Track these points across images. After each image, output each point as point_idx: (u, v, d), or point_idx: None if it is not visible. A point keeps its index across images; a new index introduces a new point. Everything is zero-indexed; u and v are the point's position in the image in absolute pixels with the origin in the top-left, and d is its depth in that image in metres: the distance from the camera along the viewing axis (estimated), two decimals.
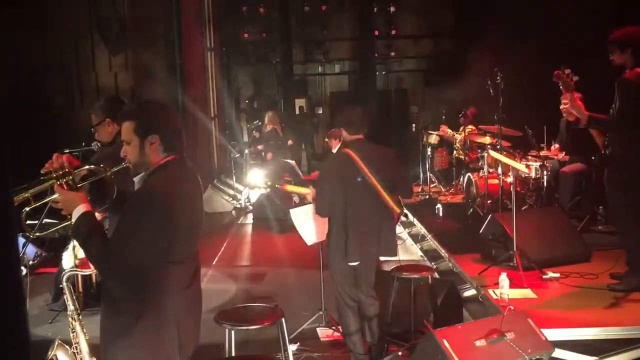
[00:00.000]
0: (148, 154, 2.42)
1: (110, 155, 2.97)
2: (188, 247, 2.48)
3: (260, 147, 10.55)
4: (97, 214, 3.53)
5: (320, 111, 15.16)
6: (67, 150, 3.20)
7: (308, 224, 4.53)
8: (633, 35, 4.17)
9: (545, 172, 6.58)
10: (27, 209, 2.37)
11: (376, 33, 13.93)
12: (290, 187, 4.46)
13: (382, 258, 4.42)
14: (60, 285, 4.15)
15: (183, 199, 2.41)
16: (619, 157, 4.22)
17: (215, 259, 7.31)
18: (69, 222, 2.38)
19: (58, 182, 2.38)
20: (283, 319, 3.32)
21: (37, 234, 2.66)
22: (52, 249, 6.37)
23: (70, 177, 2.40)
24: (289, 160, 9.68)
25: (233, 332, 3.24)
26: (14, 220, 1.13)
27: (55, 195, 2.38)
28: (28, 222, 3.38)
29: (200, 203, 2.57)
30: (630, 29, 4.22)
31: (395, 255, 4.20)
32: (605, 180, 4.47)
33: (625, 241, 4.46)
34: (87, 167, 2.47)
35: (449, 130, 9.05)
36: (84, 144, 3.54)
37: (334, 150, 4.40)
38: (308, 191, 4.27)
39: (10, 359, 1.00)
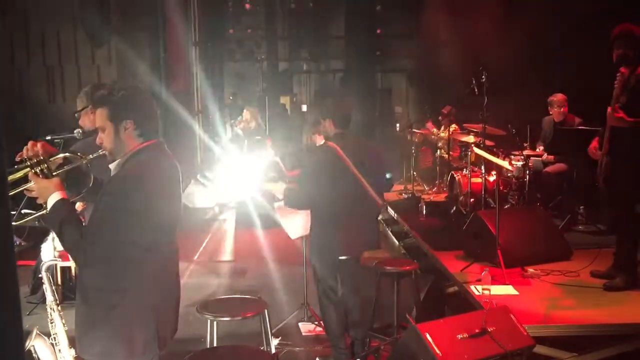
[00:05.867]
0: (123, 140, 2.38)
1: (91, 145, 2.93)
2: (165, 234, 2.45)
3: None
4: (78, 204, 3.48)
5: (305, 109, 15.14)
6: (49, 137, 3.15)
7: (292, 218, 4.51)
8: (636, 33, 4.18)
9: (527, 172, 6.64)
10: None
11: (362, 32, 13.91)
12: (267, 185, 4.40)
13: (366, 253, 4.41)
14: (40, 275, 4.10)
15: (159, 185, 2.37)
16: (627, 157, 4.25)
17: (197, 254, 7.26)
18: (45, 210, 2.33)
19: (32, 170, 2.33)
20: (266, 311, 3.29)
21: (13, 223, 2.60)
22: (32, 238, 6.29)
23: (45, 165, 2.35)
24: (272, 156, 9.63)
25: (215, 323, 3.21)
26: (8, 213, 1.10)
27: (30, 184, 2.34)
28: None
29: (177, 189, 2.52)
30: (634, 26, 4.23)
31: (378, 247, 4.19)
32: (607, 181, 4.47)
33: (619, 241, 4.50)
34: (62, 154, 2.43)
35: (434, 130, 9.11)
36: (66, 131, 3.49)
37: (318, 145, 4.37)
38: (279, 189, 4.20)
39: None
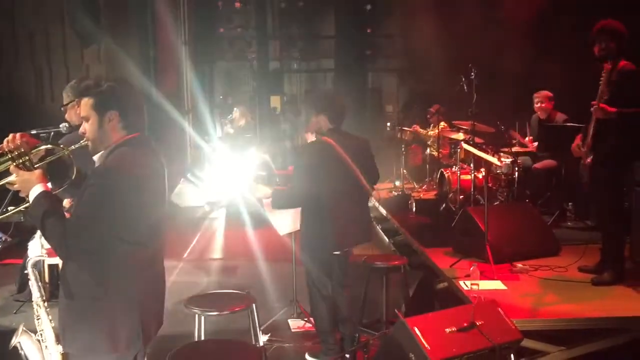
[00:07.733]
0: (107, 131, 2.36)
1: (77, 138, 2.91)
2: (149, 227, 2.41)
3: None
4: (66, 200, 3.47)
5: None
6: (34, 131, 3.13)
7: (281, 214, 4.49)
8: (618, 28, 4.24)
9: (516, 168, 6.66)
10: None
11: (352, 31, 13.93)
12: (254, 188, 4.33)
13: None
14: (26, 271, 4.06)
15: (143, 178, 2.34)
16: (613, 153, 4.27)
17: (187, 252, 7.24)
18: (27, 203, 2.29)
19: (14, 163, 2.30)
20: (254, 305, 3.28)
21: None
22: (19, 236, 6.22)
23: (27, 158, 2.32)
24: (262, 155, 9.63)
25: (203, 318, 3.19)
26: None
27: (12, 177, 2.31)
28: None
29: (162, 182, 2.48)
30: (616, 22, 4.27)
31: (371, 240, 4.19)
32: (591, 177, 4.49)
33: (606, 237, 4.52)
34: (44, 146, 2.40)
35: (422, 130, 9.15)
36: (52, 126, 3.47)
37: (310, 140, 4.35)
38: (265, 191, 4.16)
39: None
